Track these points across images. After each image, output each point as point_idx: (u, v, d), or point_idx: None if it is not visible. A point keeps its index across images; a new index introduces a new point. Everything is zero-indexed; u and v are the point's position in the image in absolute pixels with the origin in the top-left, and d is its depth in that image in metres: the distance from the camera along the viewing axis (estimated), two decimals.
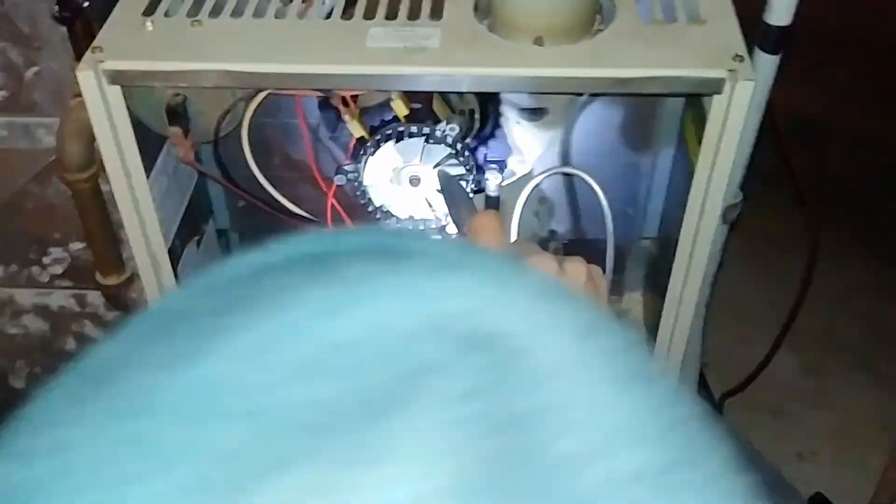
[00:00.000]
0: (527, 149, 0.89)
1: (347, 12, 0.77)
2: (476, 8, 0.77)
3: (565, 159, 0.96)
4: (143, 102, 0.77)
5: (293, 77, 0.70)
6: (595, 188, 0.82)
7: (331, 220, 0.86)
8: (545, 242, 1.08)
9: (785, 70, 0.76)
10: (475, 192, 0.92)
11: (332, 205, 0.84)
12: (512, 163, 0.91)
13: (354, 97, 0.78)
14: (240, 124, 0.79)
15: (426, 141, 0.77)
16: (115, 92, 0.73)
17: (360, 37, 0.73)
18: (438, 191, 0.78)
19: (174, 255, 0.93)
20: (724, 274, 1.06)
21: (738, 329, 1.85)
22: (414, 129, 0.77)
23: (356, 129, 0.78)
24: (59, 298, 1.06)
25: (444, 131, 0.76)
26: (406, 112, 0.77)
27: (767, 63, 0.72)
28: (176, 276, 0.93)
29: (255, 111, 0.82)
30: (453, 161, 0.78)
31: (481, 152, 0.90)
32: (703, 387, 1.06)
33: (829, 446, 1.73)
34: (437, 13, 0.76)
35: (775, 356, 1.85)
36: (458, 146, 0.78)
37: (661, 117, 0.92)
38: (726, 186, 0.77)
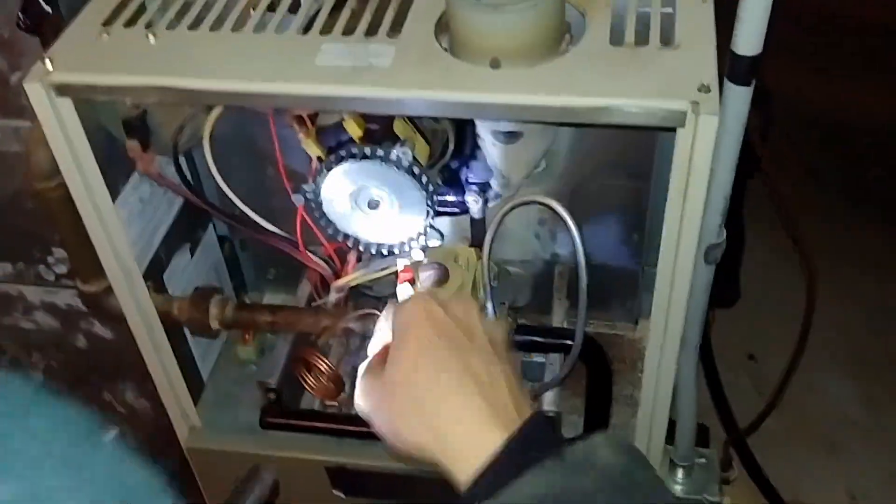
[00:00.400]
0: (509, 171, 0.84)
1: (326, 23, 0.74)
2: (438, 25, 0.73)
3: (560, 182, 0.92)
4: (107, 114, 0.77)
5: (234, 96, 0.68)
6: (563, 215, 0.77)
7: (301, 235, 0.84)
8: (549, 266, 1.03)
9: None
10: (460, 213, 0.89)
11: (302, 222, 0.82)
12: (495, 185, 0.86)
13: (313, 115, 0.76)
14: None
15: (383, 163, 0.73)
16: (66, 104, 0.72)
17: (311, 53, 0.70)
18: None
19: (158, 264, 0.92)
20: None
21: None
22: (368, 150, 0.73)
23: (311, 149, 0.75)
24: (66, 297, 1.08)
25: (398, 154, 0.73)
26: (360, 133, 0.74)
27: (738, 96, 0.65)
28: (162, 283, 0.93)
29: (225, 123, 0.80)
30: (411, 185, 0.74)
31: (464, 173, 0.86)
32: (702, 437, 0.99)
33: (883, 488, 1.61)
34: (396, 29, 0.73)
35: (835, 384, 1.74)
36: (416, 170, 0.74)
37: (660, 138, 0.86)
38: (700, 225, 0.70)
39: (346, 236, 0.79)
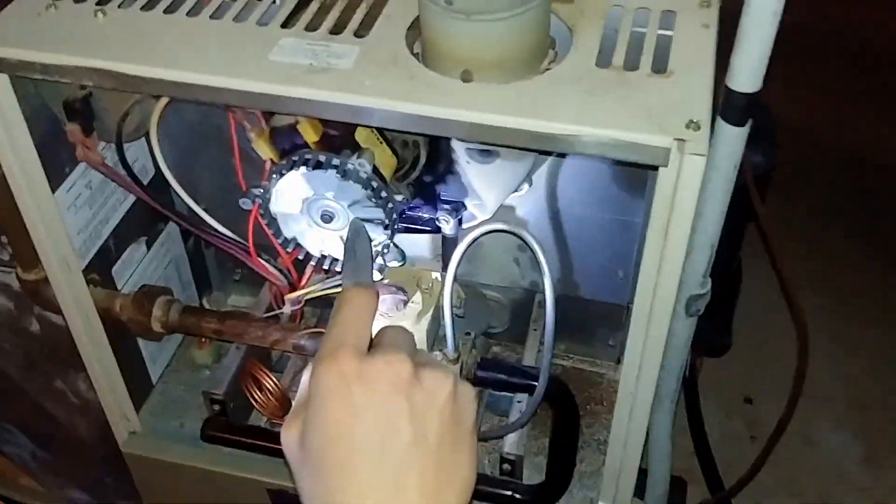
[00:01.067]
0: (484, 192, 0.77)
1: (290, 16, 0.68)
2: (412, 30, 0.66)
3: (543, 208, 0.84)
4: (50, 94, 0.71)
5: (174, 86, 0.62)
6: (532, 245, 0.70)
7: (252, 242, 0.77)
8: (529, 294, 0.96)
9: None
10: (432, 232, 0.82)
11: (256, 227, 0.75)
12: (470, 205, 0.79)
13: (267, 114, 0.69)
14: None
15: (338, 174, 0.66)
16: (2, 80, 0.66)
17: (267, 48, 0.64)
18: (343, 240, 0.68)
19: (106, 256, 0.86)
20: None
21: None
22: (322, 158, 0.67)
23: (263, 150, 0.69)
24: None
25: (354, 165, 0.66)
26: (315, 138, 0.67)
27: (731, 136, 0.58)
28: (109, 277, 0.87)
29: (182, 111, 0.74)
30: (367, 199, 0.68)
31: (439, 190, 0.79)
32: (677, 492, 0.92)
33: None
34: (365, 29, 0.66)
35: (833, 437, 1.65)
36: (374, 183, 0.67)
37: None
38: (681, 274, 0.63)
39: (298, 246, 0.73)
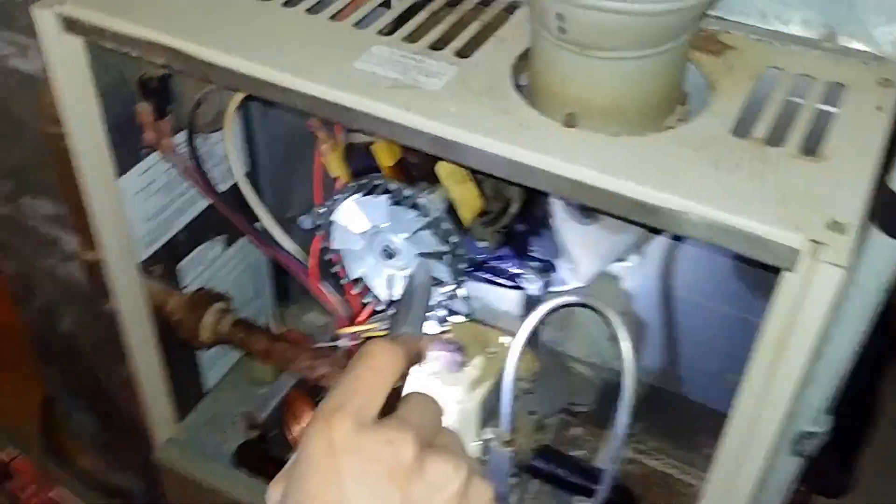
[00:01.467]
0: (580, 256, 0.67)
1: (394, 22, 0.60)
2: (523, 58, 0.57)
3: (650, 289, 0.73)
4: (132, 70, 0.66)
5: (239, 78, 0.55)
6: (618, 328, 0.59)
7: (315, 261, 0.70)
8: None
9: None
10: (514, 288, 0.72)
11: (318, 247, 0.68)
12: (562, 269, 0.69)
13: (346, 127, 0.61)
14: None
15: (405, 207, 0.58)
16: (75, 44, 0.61)
17: (356, 52, 0.56)
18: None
19: (174, 250, 0.81)
20: None
21: None
22: (392, 186, 0.58)
23: (332, 167, 0.61)
24: None
25: (424, 200, 0.57)
26: (389, 163, 0.59)
27: (885, 249, 0.45)
28: (172, 272, 0.82)
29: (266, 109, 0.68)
30: (435, 242, 0.59)
31: (529, 244, 0.70)
32: None
33: None
34: (470, 49, 0.57)
35: None
36: (445, 225, 0.58)
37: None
38: (791, 404, 0.51)
39: (357, 279, 0.65)
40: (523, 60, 0.57)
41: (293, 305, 1.01)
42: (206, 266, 0.86)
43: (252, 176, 0.86)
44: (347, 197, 0.59)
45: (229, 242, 0.89)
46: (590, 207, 0.62)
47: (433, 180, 0.59)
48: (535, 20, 0.51)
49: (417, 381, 0.62)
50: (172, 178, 0.77)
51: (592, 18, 0.47)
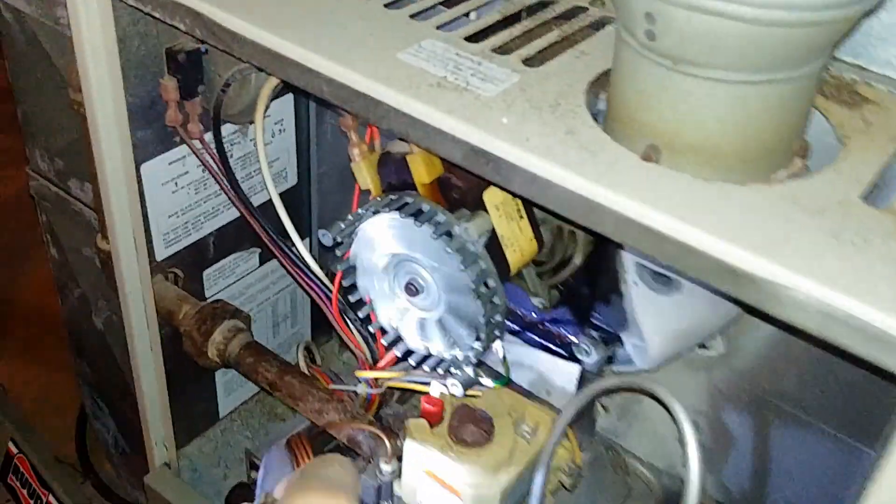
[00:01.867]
0: (650, 331, 0.55)
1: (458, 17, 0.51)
2: (604, 77, 0.46)
3: (739, 386, 0.60)
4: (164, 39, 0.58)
5: (262, 53, 0.46)
6: (684, 428, 0.46)
7: (338, 290, 0.59)
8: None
9: None
10: (564, 358, 0.60)
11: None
12: (628, 344, 0.57)
13: (384, 132, 0.51)
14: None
15: (435, 235, 0.47)
16: (103, 5, 0.54)
17: (404, 43, 0.46)
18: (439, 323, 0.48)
19: (201, 255, 0.73)
20: None
21: None
22: (424, 207, 0.48)
23: (361, 176, 0.51)
24: None
25: (459, 230, 0.46)
26: (426, 179, 0.48)
27: None
28: (198, 279, 0.74)
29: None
30: (466, 285, 0.47)
31: (591, 307, 0.58)
32: None
33: None
34: (542, 59, 0.47)
35: None
36: (482, 265, 0.47)
37: None
38: None
39: (398, 340, 0.54)
40: (604, 79, 0.46)
41: (333, 340, 0.92)
42: (237, 279, 0.78)
43: (300, 186, 0.78)
44: (373, 213, 0.49)
45: (266, 257, 0.80)
46: (667, 270, 0.50)
47: (476, 208, 0.48)
48: (619, 22, 0.40)
49: (430, 456, 0.51)
50: (208, 175, 0.69)
51: (692, 23, 0.35)
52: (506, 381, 0.54)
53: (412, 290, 0.50)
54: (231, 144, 0.69)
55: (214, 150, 0.61)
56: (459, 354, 0.51)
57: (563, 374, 0.64)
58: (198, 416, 0.81)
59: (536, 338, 0.62)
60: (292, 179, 0.77)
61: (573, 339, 0.59)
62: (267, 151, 0.65)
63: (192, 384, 0.77)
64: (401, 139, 0.49)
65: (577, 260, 0.53)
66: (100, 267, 0.76)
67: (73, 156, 0.87)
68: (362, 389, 0.65)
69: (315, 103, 0.72)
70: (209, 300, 0.72)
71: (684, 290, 0.49)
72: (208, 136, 0.62)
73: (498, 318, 0.48)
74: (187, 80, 0.57)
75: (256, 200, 0.71)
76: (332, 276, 0.61)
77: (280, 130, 0.73)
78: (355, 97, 0.43)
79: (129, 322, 0.69)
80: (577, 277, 0.55)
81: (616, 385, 0.49)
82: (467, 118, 0.41)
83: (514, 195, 0.49)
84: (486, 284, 0.47)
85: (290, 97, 0.72)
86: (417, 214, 0.47)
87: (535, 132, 0.41)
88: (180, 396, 0.76)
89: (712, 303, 0.50)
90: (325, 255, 0.64)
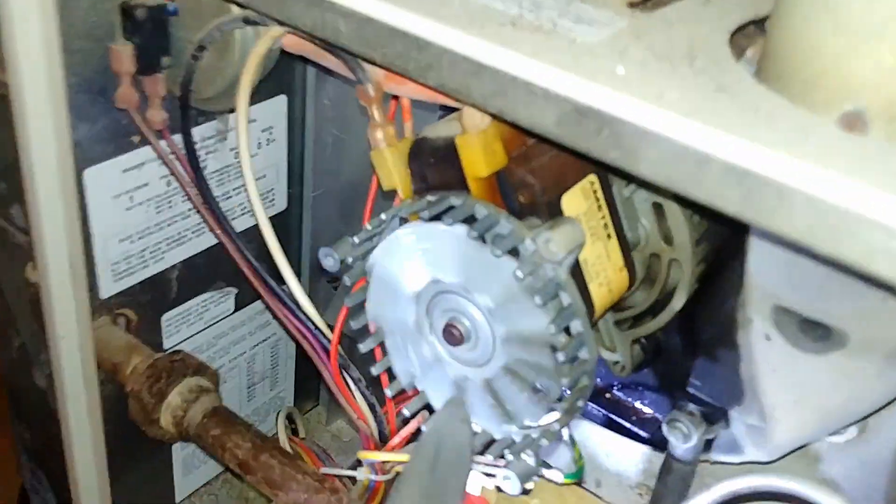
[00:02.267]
0: (784, 408, 0.39)
1: None
2: (751, 26, 0.31)
3: (872, 477, 0.44)
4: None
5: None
6: None
7: (338, 335, 0.44)
8: None
9: None
10: (645, 442, 0.45)
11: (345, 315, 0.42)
12: (740, 422, 0.41)
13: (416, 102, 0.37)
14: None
15: (497, 253, 0.32)
16: None
17: None
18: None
19: (159, 292, 0.57)
20: None
21: None
22: (480, 212, 0.32)
23: (385, 171, 0.36)
24: None
25: (535, 244, 0.31)
26: (483, 172, 0.33)
27: None
28: (155, 323, 0.58)
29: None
30: (538, 316, 0.32)
31: (689, 371, 0.42)
32: None
33: None
34: (654, 4, 0.32)
35: None
36: (564, 298, 0.32)
37: None
38: None
39: (393, 372, 0.39)
40: (750, 32, 0.31)
41: (320, 406, 0.76)
42: (205, 325, 0.62)
43: (289, 211, 0.63)
44: (401, 221, 0.34)
45: (244, 301, 0.64)
46: (827, 322, 0.35)
47: (554, 215, 0.33)
48: None
49: None
50: (175, 189, 0.54)
51: None
52: (578, 476, 0.38)
53: (454, 336, 0.34)
54: (206, 153, 0.54)
55: (182, 150, 0.45)
56: (517, 434, 0.35)
57: (623, 457, 0.48)
58: (148, 501, 0.64)
59: (598, 408, 0.46)
60: (280, 204, 0.62)
61: (648, 410, 0.44)
62: (253, 166, 0.50)
63: (142, 461, 0.61)
64: (445, 110, 0.34)
65: (678, 302, 0.38)
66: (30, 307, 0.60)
67: (15, 175, 0.72)
68: (363, 475, 0.49)
69: (314, 105, 0.58)
70: (167, 351, 0.56)
71: (851, 346, 0.34)
72: (177, 138, 0.48)
73: (585, 381, 0.32)
74: (148, 48, 0.42)
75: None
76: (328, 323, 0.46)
77: (268, 140, 0.59)
78: (390, 38, 0.29)
79: (59, 377, 0.52)
80: (673, 327, 0.40)
81: (751, 489, 0.33)
82: (565, 65, 0.26)
83: (607, 200, 0.34)
84: (570, 331, 0.32)
85: (282, 98, 0.58)
86: (469, 222, 0.32)
87: (667, 85, 0.26)
88: (126, 475, 0.59)
89: (885, 366, 0.35)
90: (314, 296, 0.48)
